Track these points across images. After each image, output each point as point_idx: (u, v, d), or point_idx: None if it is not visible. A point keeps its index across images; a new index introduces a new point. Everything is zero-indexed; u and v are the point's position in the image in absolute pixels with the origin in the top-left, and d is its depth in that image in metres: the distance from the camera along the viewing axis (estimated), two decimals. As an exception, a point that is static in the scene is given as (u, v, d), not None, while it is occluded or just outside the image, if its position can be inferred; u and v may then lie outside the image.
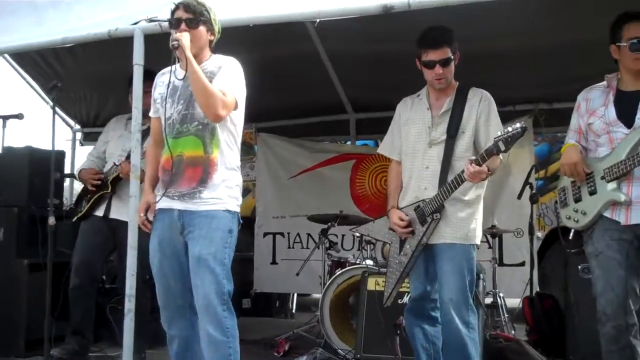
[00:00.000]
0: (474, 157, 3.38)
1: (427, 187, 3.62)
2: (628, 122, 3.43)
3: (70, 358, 4.75)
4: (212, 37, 3.51)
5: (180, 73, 3.35)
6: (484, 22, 4.57)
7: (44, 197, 5.25)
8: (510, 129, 3.26)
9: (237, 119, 3.47)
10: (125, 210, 4.24)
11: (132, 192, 3.96)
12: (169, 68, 3.42)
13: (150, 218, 3.48)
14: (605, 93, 3.57)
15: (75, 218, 5.05)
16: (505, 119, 6.13)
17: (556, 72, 5.58)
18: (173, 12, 3.43)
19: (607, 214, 3.47)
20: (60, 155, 5.70)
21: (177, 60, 3.31)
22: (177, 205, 3.36)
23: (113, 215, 4.89)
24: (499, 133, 3.33)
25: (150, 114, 3.59)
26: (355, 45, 5.46)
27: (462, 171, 3.42)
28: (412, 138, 3.74)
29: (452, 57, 3.63)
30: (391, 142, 3.91)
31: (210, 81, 3.33)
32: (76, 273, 4.83)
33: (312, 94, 6.67)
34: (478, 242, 3.66)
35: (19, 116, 5.01)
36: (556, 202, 3.77)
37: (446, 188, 3.51)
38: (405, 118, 3.81)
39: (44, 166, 5.22)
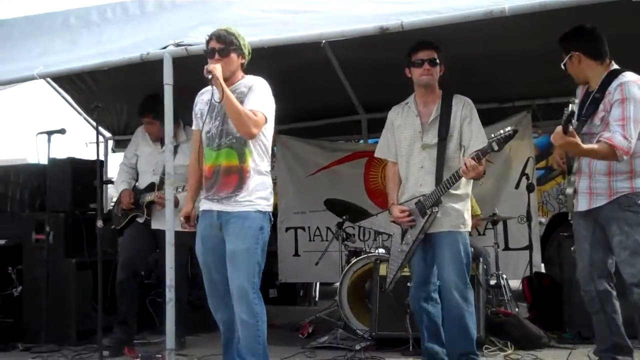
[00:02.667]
0: (472, 155, 3.83)
1: (422, 184, 4.10)
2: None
3: (119, 346, 5.17)
4: (243, 60, 3.94)
5: (217, 97, 3.76)
6: (481, 30, 4.78)
7: (86, 202, 5.81)
8: (502, 131, 3.74)
9: (267, 131, 3.92)
10: (163, 221, 4.65)
11: (167, 196, 4.50)
12: (208, 87, 3.86)
13: (191, 225, 4.02)
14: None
15: (113, 227, 5.52)
16: (506, 114, 6.63)
17: (551, 70, 5.80)
18: (207, 42, 3.88)
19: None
20: (100, 164, 6.15)
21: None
22: (216, 207, 3.87)
23: (153, 226, 5.32)
24: (492, 135, 3.79)
25: (193, 126, 4.08)
26: (364, 53, 5.80)
27: (459, 169, 3.88)
28: (406, 142, 4.20)
29: (437, 60, 4.09)
30: (386, 146, 4.35)
31: (242, 101, 3.77)
32: (122, 269, 5.27)
33: (326, 98, 7.07)
34: (469, 229, 4.16)
35: (62, 131, 5.33)
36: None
37: (444, 184, 3.98)
38: (398, 124, 4.26)
39: (84, 174, 5.70)
